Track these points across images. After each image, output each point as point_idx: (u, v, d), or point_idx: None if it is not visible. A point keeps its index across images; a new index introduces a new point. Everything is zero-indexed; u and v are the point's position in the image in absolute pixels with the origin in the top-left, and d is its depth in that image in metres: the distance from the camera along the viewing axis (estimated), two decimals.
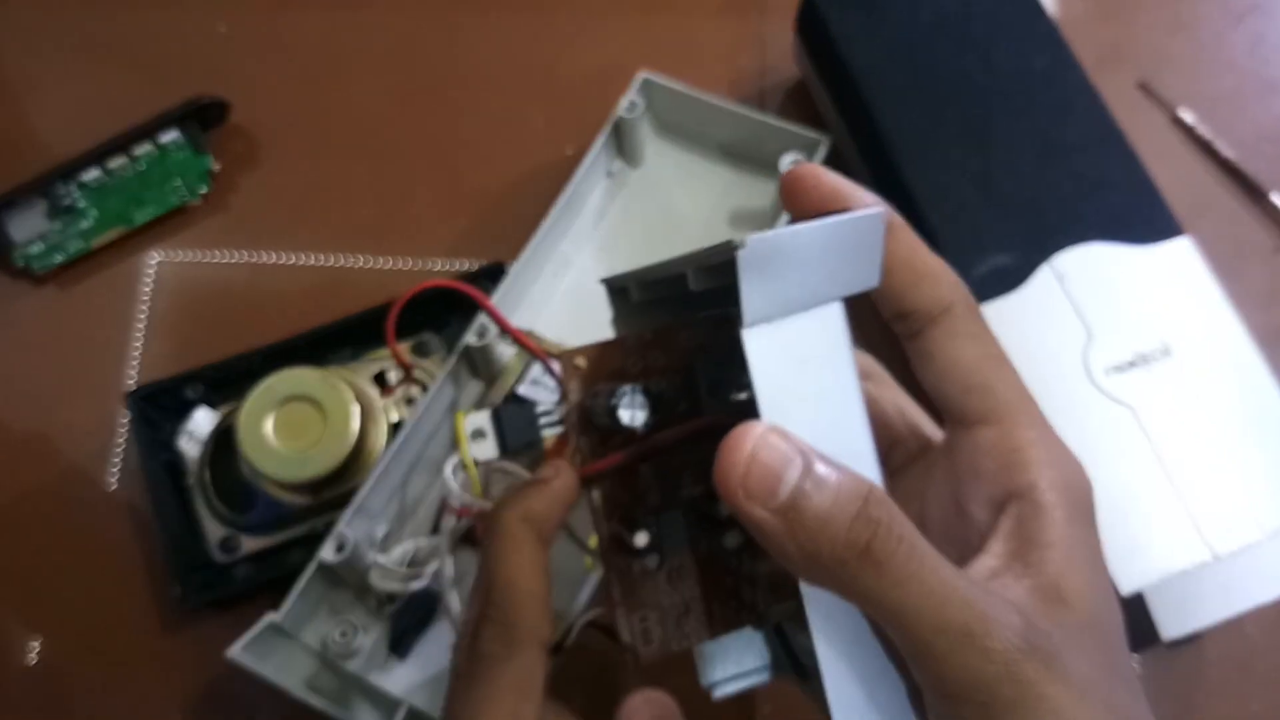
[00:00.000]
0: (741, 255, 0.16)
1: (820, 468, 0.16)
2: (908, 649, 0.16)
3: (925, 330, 0.19)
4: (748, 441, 0.16)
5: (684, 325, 0.20)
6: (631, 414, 0.18)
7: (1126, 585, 0.27)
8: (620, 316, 0.22)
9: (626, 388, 0.19)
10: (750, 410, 0.17)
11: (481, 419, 0.20)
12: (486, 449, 0.21)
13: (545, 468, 0.21)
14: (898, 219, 0.19)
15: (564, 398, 0.19)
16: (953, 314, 0.19)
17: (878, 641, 0.18)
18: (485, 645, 0.19)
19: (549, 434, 0.21)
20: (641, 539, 0.19)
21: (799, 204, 0.19)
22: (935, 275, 0.19)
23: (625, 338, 0.20)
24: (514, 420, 0.20)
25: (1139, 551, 0.28)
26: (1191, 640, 0.30)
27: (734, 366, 0.17)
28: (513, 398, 0.34)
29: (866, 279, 0.18)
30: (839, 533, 0.16)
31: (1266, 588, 0.29)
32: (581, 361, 0.19)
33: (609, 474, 0.19)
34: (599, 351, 0.19)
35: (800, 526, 0.16)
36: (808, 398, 0.17)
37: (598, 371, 0.19)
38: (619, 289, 0.22)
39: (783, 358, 0.17)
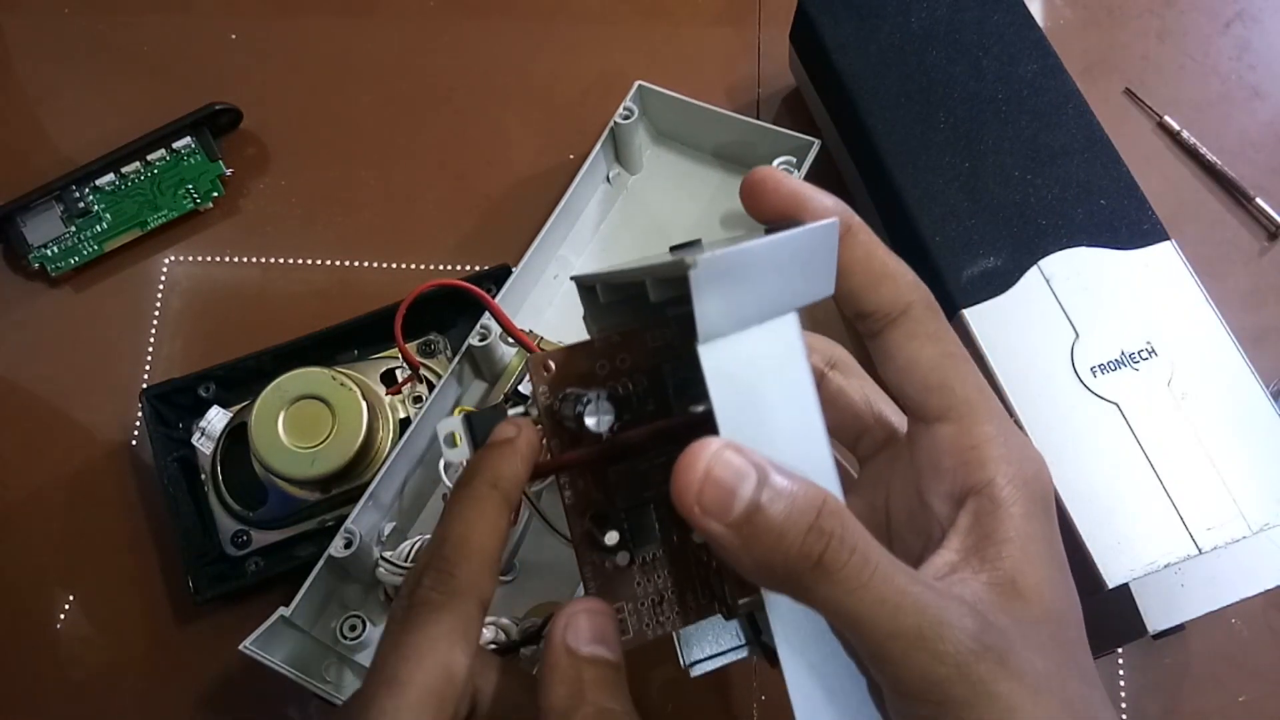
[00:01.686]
0: (694, 275, 0.16)
1: (776, 480, 0.16)
2: (863, 652, 0.17)
3: (885, 330, 0.20)
4: (701, 459, 0.16)
5: (652, 326, 0.20)
6: (597, 420, 0.19)
7: (1113, 579, 0.28)
8: (591, 314, 0.23)
9: (592, 394, 0.19)
10: (710, 419, 0.17)
11: (454, 424, 0.21)
12: (460, 452, 0.21)
13: (506, 425, 0.20)
14: (856, 221, 0.19)
15: (534, 401, 0.20)
16: (911, 314, 0.20)
17: (838, 640, 0.18)
18: (424, 593, 0.19)
19: None
20: (612, 537, 0.20)
21: (758, 208, 0.20)
22: (893, 276, 0.20)
23: (593, 341, 0.20)
24: (485, 425, 0.21)
25: (1126, 546, 0.28)
26: (1177, 633, 0.31)
27: (698, 369, 0.17)
28: (514, 395, 0.35)
29: (821, 289, 0.18)
30: (792, 545, 0.16)
31: (1250, 581, 0.30)
32: (550, 365, 0.20)
33: (579, 473, 0.20)
34: (567, 355, 0.20)
35: (755, 540, 0.16)
36: (765, 409, 0.17)
37: (566, 375, 0.20)
38: (589, 287, 0.22)
39: (739, 371, 0.17)
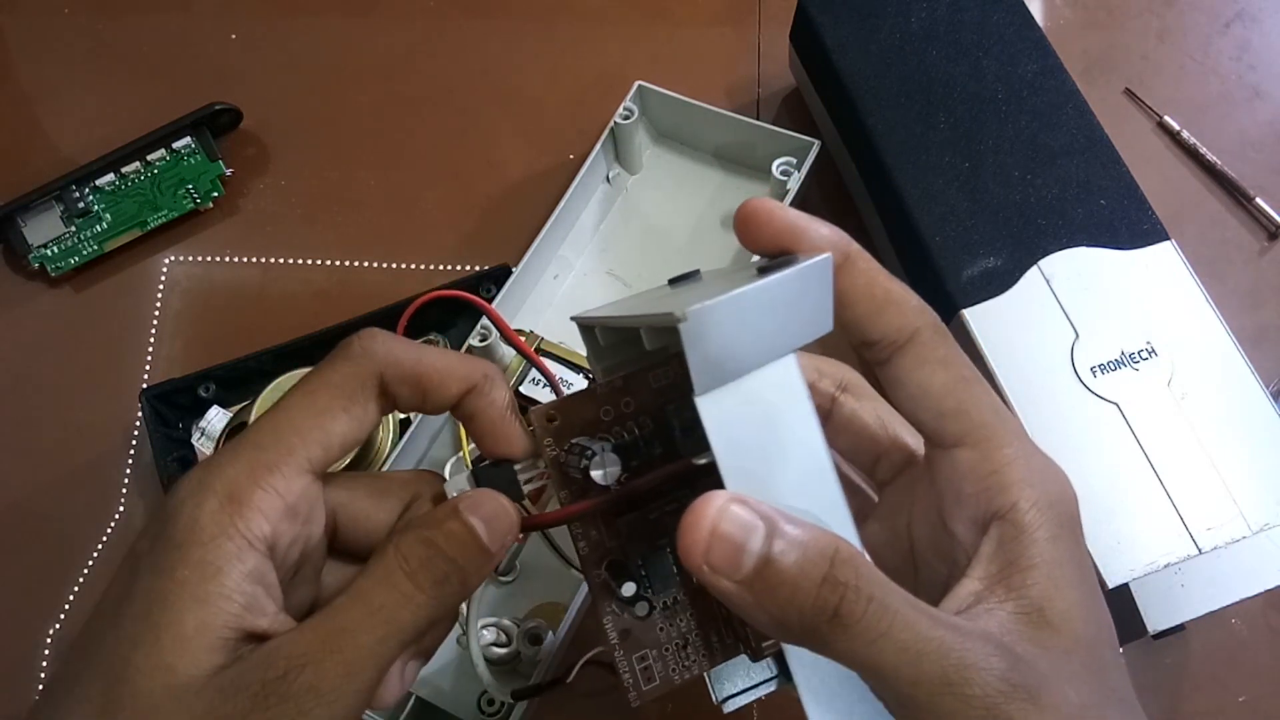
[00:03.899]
0: (684, 329, 0.15)
1: (786, 530, 0.16)
2: (888, 700, 0.17)
3: (893, 358, 0.19)
4: (707, 516, 0.16)
5: (655, 366, 0.20)
6: (602, 473, 0.19)
7: (1113, 579, 0.28)
8: (593, 354, 0.22)
9: (596, 446, 0.19)
10: (715, 469, 0.17)
11: (461, 482, 0.21)
12: None
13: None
14: (854, 248, 0.19)
15: (539, 454, 0.20)
16: (919, 340, 0.19)
17: (864, 685, 0.17)
18: (343, 347, 0.20)
19: (530, 488, 0.21)
20: (628, 589, 0.19)
21: (753, 240, 0.19)
22: (898, 303, 0.19)
23: (595, 388, 0.20)
24: (493, 482, 0.20)
25: (1126, 546, 0.28)
26: (1177, 633, 0.31)
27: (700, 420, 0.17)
28: (516, 396, 0.35)
29: (819, 326, 0.18)
30: (806, 600, 0.16)
31: (1250, 581, 0.30)
32: (554, 416, 0.19)
33: (591, 522, 0.20)
34: (570, 405, 0.20)
35: (768, 596, 0.16)
36: (770, 455, 0.17)
37: (570, 424, 0.19)
38: (589, 329, 0.22)
39: (740, 419, 0.17)
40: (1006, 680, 0.16)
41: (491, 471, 0.20)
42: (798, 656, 0.17)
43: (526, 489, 0.21)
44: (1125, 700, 0.18)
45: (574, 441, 0.19)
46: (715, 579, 0.16)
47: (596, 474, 0.19)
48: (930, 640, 0.16)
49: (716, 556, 0.16)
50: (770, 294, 0.17)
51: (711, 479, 0.17)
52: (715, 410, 0.16)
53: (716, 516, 0.16)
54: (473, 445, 0.30)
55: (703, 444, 0.17)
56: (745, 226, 0.19)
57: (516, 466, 0.20)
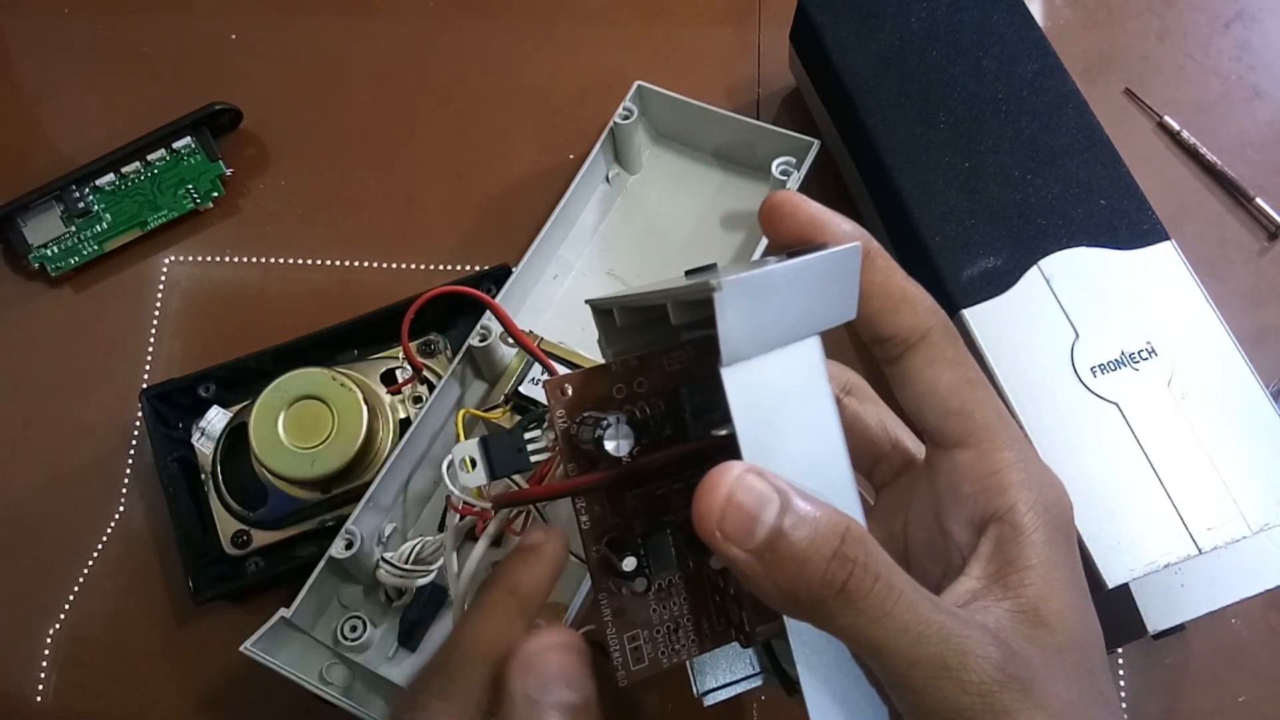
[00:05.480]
0: (718, 297, 0.16)
1: (799, 505, 0.16)
2: (886, 680, 0.17)
3: (903, 356, 0.20)
4: (724, 484, 0.16)
5: (669, 350, 0.20)
6: (616, 444, 0.19)
7: (1113, 579, 0.28)
8: (606, 338, 0.22)
9: (611, 418, 0.19)
10: (732, 444, 0.17)
11: (470, 448, 0.21)
12: (476, 476, 0.21)
13: (535, 531, 0.21)
14: (874, 246, 0.19)
15: (551, 425, 0.20)
16: (929, 340, 0.19)
17: (860, 669, 0.18)
18: (424, 697, 0.20)
19: (537, 459, 0.21)
20: (629, 563, 0.19)
21: (778, 232, 0.20)
22: (912, 301, 0.19)
23: (611, 364, 0.20)
24: (501, 449, 0.21)
25: (1126, 546, 0.28)
26: (1177, 633, 0.31)
27: (717, 393, 0.17)
28: (515, 395, 0.35)
29: (843, 312, 0.18)
30: (815, 573, 0.16)
31: (1251, 581, 0.30)
32: (568, 389, 0.20)
33: (595, 497, 0.20)
34: (585, 378, 0.20)
35: (778, 567, 0.16)
36: (787, 433, 0.17)
37: (584, 398, 0.20)
38: (604, 311, 0.22)
39: (761, 394, 0.17)
40: (1002, 670, 0.16)
41: (500, 440, 0.20)
42: (799, 635, 0.18)
43: (533, 460, 0.21)
44: (1110, 703, 0.19)
45: (587, 414, 0.20)
46: (727, 547, 0.16)
47: (610, 445, 0.19)
48: (932, 624, 0.16)
49: (730, 524, 0.16)
50: (801, 274, 0.17)
51: (722, 458, 0.17)
52: (739, 383, 0.17)
53: (733, 485, 0.16)
54: (462, 476, 0.30)
55: (718, 421, 0.17)
56: (771, 218, 0.20)
57: (527, 436, 0.20)
